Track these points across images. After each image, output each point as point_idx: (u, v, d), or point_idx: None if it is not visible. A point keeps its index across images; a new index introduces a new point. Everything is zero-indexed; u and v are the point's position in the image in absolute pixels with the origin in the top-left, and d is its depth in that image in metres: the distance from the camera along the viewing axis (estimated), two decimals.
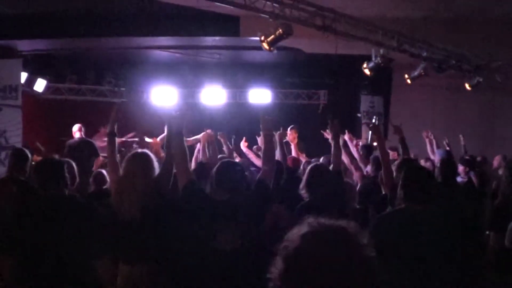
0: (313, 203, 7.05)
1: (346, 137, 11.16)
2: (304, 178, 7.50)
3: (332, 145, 8.40)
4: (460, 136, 14.40)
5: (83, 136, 15.63)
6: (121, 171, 6.94)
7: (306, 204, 7.18)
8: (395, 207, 6.15)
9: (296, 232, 2.58)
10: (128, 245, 6.58)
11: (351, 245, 2.51)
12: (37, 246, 5.91)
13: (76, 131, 15.67)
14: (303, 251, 2.49)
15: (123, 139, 15.68)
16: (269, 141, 6.72)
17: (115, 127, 7.28)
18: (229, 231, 5.76)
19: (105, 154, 13.84)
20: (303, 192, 7.40)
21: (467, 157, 12.60)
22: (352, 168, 10.72)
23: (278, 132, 10.86)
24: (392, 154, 11.94)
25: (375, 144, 10.90)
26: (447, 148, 13.61)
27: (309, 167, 7.71)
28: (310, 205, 7.04)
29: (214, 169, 6.37)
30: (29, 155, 8.86)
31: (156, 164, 6.93)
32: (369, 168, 10.68)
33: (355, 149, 11.41)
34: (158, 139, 11.23)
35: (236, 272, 5.67)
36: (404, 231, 5.67)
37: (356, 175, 10.59)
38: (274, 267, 2.56)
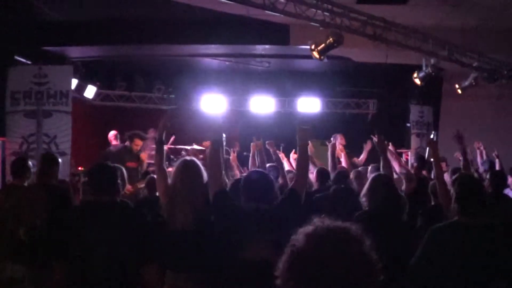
0: (372, 212, 7.01)
1: (390, 148, 11.08)
2: (366, 186, 7.44)
3: (381, 159, 8.37)
4: None
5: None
6: (169, 180, 6.92)
7: (365, 213, 7.14)
8: (449, 220, 6.07)
9: (302, 232, 2.62)
10: (180, 253, 6.55)
11: (354, 247, 2.52)
12: (88, 252, 5.95)
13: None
14: (306, 250, 2.53)
15: (171, 146, 15.76)
16: (304, 152, 6.67)
17: (164, 135, 7.26)
18: (259, 241, 5.71)
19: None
20: (363, 200, 7.35)
21: None
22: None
23: (331, 143, 10.86)
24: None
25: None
26: (497, 160, 13.45)
27: (371, 176, 7.66)
28: (369, 214, 7.00)
29: (242, 179, 6.36)
30: (59, 160, 8.91)
31: (204, 172, 6.90)
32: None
33: (396, 162, 11.21)
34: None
35: (267, 283, 5.60)
36: (457, 244, 5.59)
37: (405, 186, 10.47)
38: (280, 264, 2.63)
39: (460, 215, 5.77)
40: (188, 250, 6.49)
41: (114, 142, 15.52)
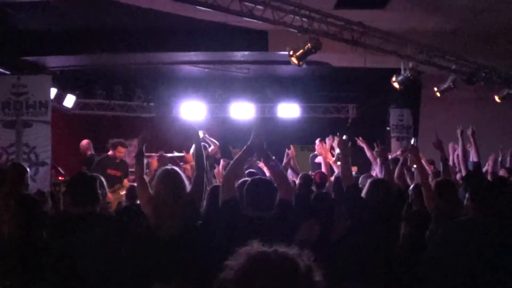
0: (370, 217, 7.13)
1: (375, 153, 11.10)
2: (365, 190, 7.53)
3: (342, 162, 8.34)
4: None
5: None
6: (150, 190, 6.91)
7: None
8: (465, 217, 6.15)
9: (236, 261, 2.51)
10: (166, 263, 6.50)
11: (298, 279, 2.35)
12: (67, 268, 5.85)
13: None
14: (243, 283, 2.39)
15: (153, 153, 15.72)
16: (274, 165, 6.81)
17: (144, 146, 7.27)
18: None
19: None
20: None
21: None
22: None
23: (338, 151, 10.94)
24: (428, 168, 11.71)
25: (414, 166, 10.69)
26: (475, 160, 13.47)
27: (369, 181, 7.73)
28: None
29: (245, 186, 6.37)
30: (28, 169, 8.85)
31: (186, 180, 6.92)
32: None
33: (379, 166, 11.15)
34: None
35: None
36: (478, 240, 5.66)
37: None
38: None
39: (477, 211, 5.84)
40: (176, 259, 6.46)
41: (89, 152, 15.35)
